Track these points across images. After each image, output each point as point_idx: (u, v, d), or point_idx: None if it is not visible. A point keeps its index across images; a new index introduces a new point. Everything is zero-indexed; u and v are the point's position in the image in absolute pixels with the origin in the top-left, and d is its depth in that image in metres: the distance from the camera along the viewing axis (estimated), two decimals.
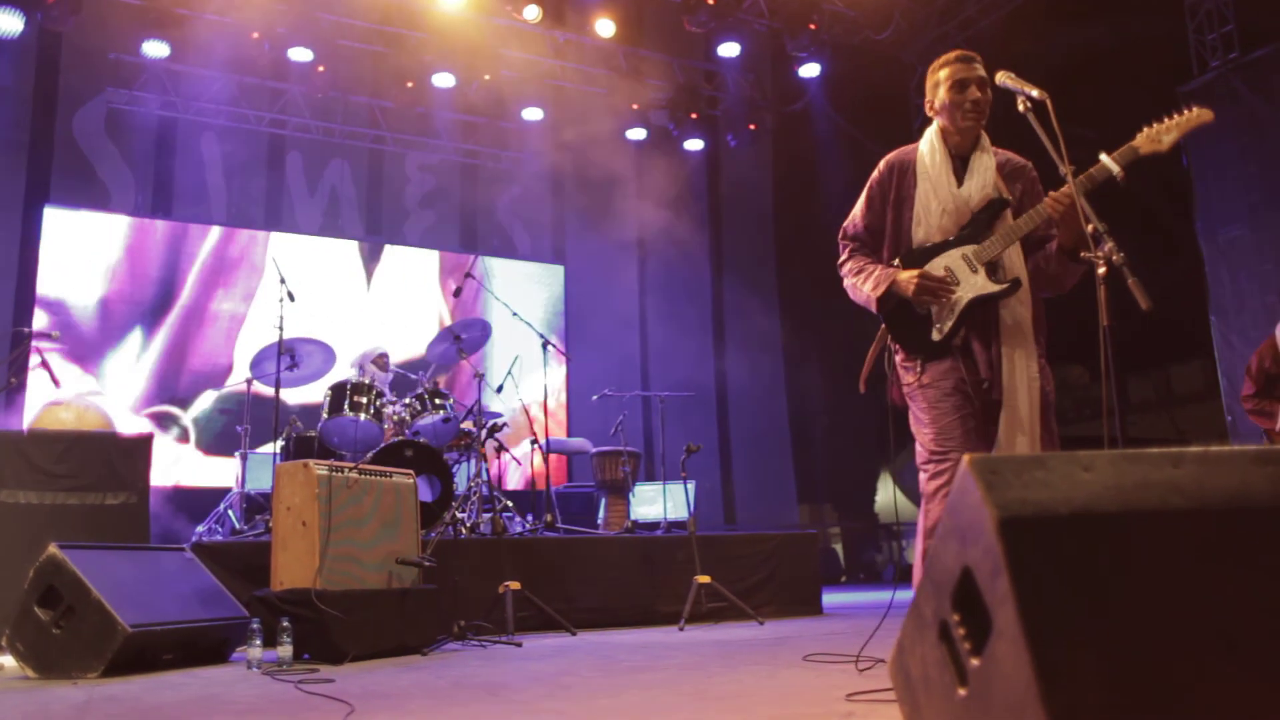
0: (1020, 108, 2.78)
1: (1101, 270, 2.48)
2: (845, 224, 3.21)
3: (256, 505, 6.50)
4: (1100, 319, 2.51)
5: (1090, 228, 2.58)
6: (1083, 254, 2.64)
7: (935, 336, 2.95)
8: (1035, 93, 2.76)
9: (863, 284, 3.06)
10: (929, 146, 3.11)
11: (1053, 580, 1.35)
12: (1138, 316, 2.43)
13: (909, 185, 3.09)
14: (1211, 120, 2.79)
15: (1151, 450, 1.49)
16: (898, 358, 3.07)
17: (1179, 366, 13.55)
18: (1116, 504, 1.42)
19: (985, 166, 3.06)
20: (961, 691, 1.50)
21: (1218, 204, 8.15)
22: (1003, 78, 2.89)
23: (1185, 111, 2.79)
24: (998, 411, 2.88)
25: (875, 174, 3.18)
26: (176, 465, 9.07)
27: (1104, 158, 2.78)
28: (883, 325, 3.11)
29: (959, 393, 2.91)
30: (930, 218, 3.03)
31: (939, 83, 3.09)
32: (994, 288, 2.93)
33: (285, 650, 3.64)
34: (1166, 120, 2.79)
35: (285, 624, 3.68)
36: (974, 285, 2.94)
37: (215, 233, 9.84)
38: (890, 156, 3.18)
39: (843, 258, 3.19)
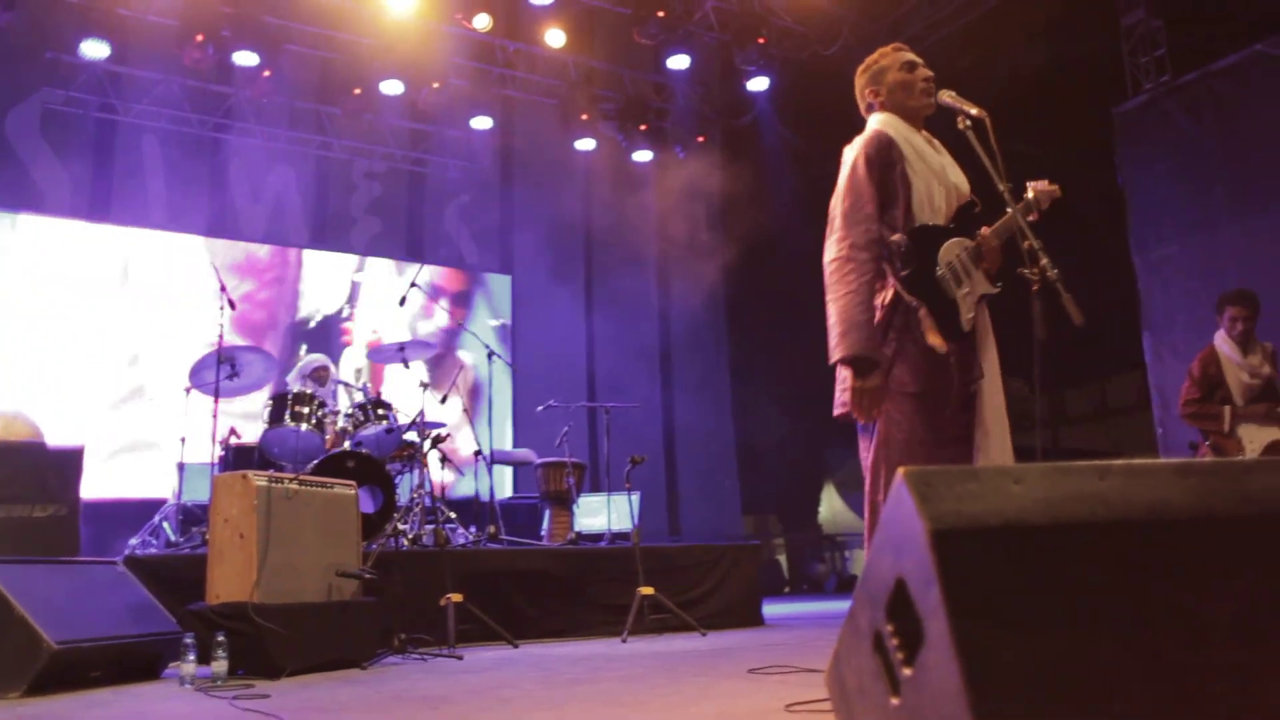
0: (960, 125, 2.84)
1: (1035, 286, 2.54)
2: (846, 210, 2.79)
3: (193, 517, 6.35)
4: (1035, 333, 2.58)
5: (1026, 244, 2.63)
6: (1018, 270, 2.66)
7: (965, 327, 2.77)
8: (974, 111, 2.83)
9: (846, 312, 2.69)
10: (898, 131, 2.89)
11: (983, 591, 1.37)
12: (1077, 332, 2.49)
13: (900, 162, 2.84)
14: (1059, 195, 2.91)
15: (1079, 463, 1.52)
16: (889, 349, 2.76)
17: (1114, 380, 13.89)
18: (1045, 516, 1.45)
19: (951, 161, 2.96)
20: (894, 701, 1.52)
21: (1150, 223, 8.36)
22: (943, 96, 2.94)
23: (1049, 185, 2.90)
24: (969, 416, 2.77)
25: (867, 147, 2.85)
26: (109, 477, 8.84)
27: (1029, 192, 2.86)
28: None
29: (941, 414, 2.72)
30: (935, 199, 2.83)
31: (884, 69, 3.00)
32: (992, 290, 2.83)
33: (220, 665, 3.56)
34: (1047, 184, 2.89)
35: (220, 638, 3.60)
36: (980, 283, 2.81)
37: (154, 238, 9.63)
38: (875, 131, 2.91)
39: (845, 252, 2.75)
